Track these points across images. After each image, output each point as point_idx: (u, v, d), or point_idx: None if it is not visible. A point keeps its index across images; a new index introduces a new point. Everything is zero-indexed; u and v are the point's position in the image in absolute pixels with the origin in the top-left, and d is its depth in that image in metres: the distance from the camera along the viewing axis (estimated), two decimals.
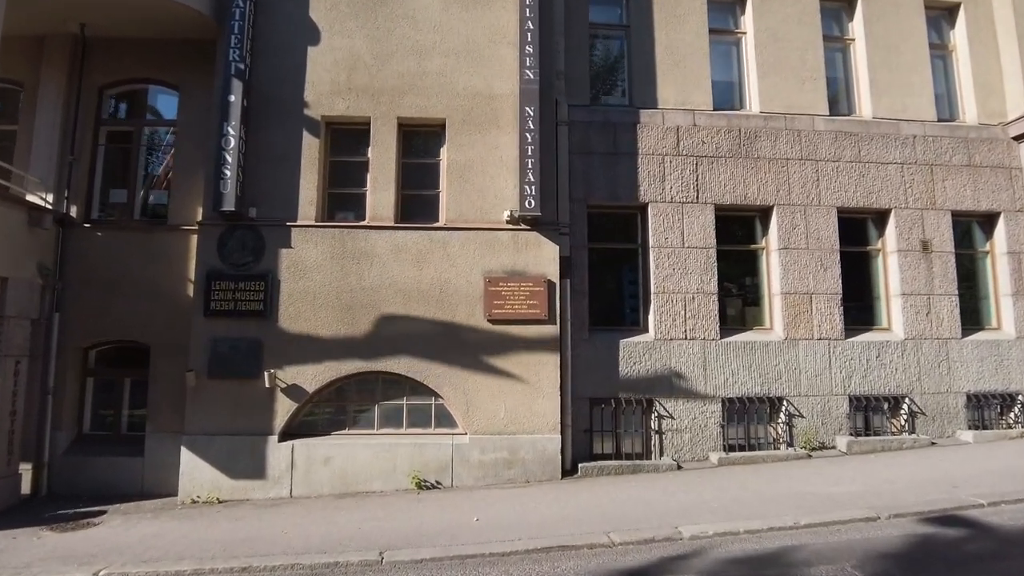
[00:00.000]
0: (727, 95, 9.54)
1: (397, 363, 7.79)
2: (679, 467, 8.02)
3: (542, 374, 7.87)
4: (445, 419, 7.95)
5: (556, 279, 8.05)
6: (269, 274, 7.85)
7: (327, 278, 7.89)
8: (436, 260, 7.99)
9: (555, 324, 7.98)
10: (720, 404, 8.46)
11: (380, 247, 7.97)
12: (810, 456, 8.29)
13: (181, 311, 8.00)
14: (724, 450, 8.34)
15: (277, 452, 7.58)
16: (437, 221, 8.22)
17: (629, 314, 8.95)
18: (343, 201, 8.46)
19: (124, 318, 8.19)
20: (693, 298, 8.63)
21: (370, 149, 8.27)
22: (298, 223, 7.99)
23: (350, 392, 8.00)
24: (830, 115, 9.43)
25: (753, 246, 9.22)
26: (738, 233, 9.21)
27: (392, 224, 8.07)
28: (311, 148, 8.17)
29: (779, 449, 8.47)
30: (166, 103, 9.13)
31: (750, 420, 8.56)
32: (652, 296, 8.60)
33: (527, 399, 7.82)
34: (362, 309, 7.85)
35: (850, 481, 7.04)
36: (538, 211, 7.94)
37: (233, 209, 7.72)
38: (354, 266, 7.93)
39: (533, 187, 7.95)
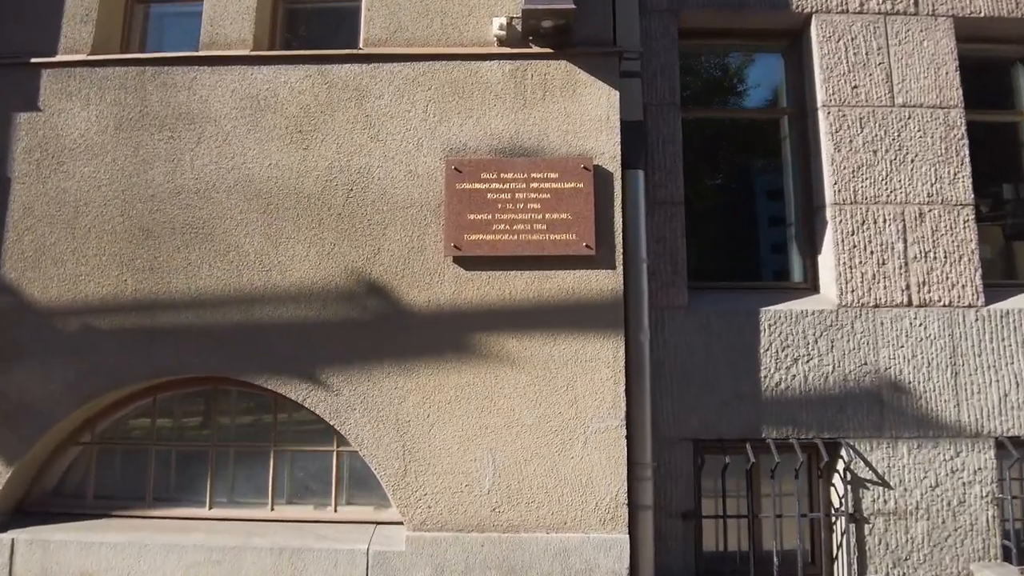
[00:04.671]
0: None
1: (253, 358, 3.43)
2: None
3: (581, 386, 3.35)
4: (360, 486, 3.55)
5: (614, 168, 3.51)
6: None
7: (107, 171, 3.59)
8: (340, 127, 3.57)
9: (612, 269, 3.44)
10: (990, 451, 3.72)
11: (220, 102, 3.62)
12: None
13: None
14: (1010, 559, 3.60)
15: None
16: (351, 47, 3.80)
17: (772, 255, 4.27)
18: (166, 23, 4.18)
19: None
20: (920, 216, 3.90)
21: None
22: (58, 58, 3.73)
23: (155, 422, 3.70)
24: None
25: None
26: (995, 89, 4.41)
27: (248, 53, 3.70)
28: None
29: None
30: None
31: None
32: (827, 211, 3.92)
33: (547, 445, 3.32)
34: (178, 235, 3.52)
35: None
36: (569, 2, 3.40)
37: None
38: (163, 145, 3.60)
39: None
